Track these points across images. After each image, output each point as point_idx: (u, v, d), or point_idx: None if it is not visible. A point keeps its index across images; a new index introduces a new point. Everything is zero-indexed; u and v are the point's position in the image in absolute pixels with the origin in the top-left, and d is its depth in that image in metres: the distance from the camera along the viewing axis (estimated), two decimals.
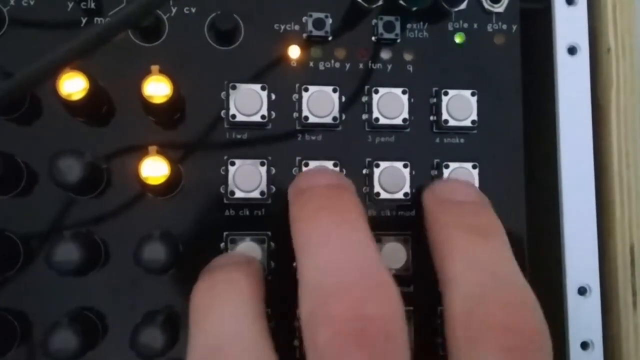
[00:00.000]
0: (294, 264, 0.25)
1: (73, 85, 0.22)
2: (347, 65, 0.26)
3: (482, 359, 0.16)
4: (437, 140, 0.26)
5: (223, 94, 0.25)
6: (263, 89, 0.25)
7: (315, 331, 0.16)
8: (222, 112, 0.25)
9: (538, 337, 0.17)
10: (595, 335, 0.26)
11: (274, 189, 0.25)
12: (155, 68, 0.23)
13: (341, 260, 0.17)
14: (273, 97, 0.25)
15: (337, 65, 0.26)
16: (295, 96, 0.26)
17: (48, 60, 0.19)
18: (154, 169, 0.23)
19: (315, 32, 0.26)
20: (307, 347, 0.16)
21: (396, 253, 0.25)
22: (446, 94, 0.26)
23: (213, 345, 0.17)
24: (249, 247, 0.24)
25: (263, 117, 0.25)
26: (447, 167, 0.26)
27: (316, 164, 0.25)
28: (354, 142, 0.26)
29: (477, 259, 0.18)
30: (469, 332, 0.16)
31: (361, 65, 0.26)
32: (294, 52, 0.26)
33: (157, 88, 0.23)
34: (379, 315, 0.15)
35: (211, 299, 0.19)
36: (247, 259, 0.22)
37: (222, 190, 0.25)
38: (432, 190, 0.21)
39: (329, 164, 0.25)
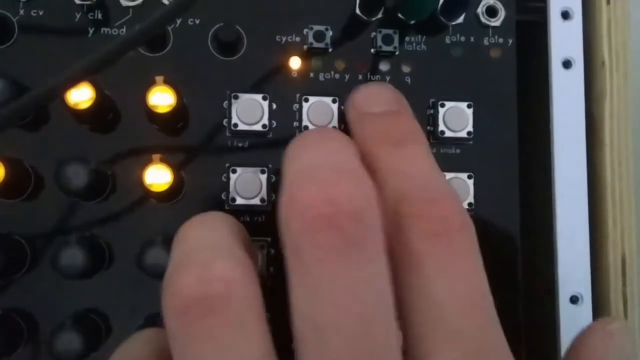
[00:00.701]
0: None
1: (80, 94, 0.23)
2: (347, 77, 0.27)
3: (414, 248, 0.17)
4: (434, 150, 0.27)
5: (225, 104, 0.26)
6: (264, 98, 0.26)
7: (287, 223, 0.16)
8: (224, 121, 0.26)
9: (461, 222, 0.17)
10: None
11: (274, 196, 0.26)
12: (159, 79, 0.24)
13: (317, 161, 0.17)
14: (274, 106, 0.26)
15: (337, 76, 0.27)
16: (295, 106, 0.26)
17: (64, 77, 0.19)
18: (158, 176, 0.24)
19: (316, 44, 0.26)
20: (284, 243, 0.16)
21: None
22: (443, 105, 0.27)
23: (187, 255, 0.17)
24: None
25: (264, 126, 0.26)
26: None
27: None
28: None
29: (395, 168, 0.18)
30: (397, 226, 0.17)
31: (360, 77, 0.27)
32: (295, 63, 0.27)
33: (161, 98, 0.24)
34: (348, 197, 0.16)
35: (190, 227, 0.19)
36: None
37: (223, 196, 0.26)
38: (352, 103, 0.21)
39: None
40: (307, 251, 0.15)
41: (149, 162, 0.24)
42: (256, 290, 0.16)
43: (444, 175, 0.19)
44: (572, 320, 0.27)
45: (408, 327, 0.17)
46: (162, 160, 0.24)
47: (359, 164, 0.18)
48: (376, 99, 0.21)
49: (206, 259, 0.16)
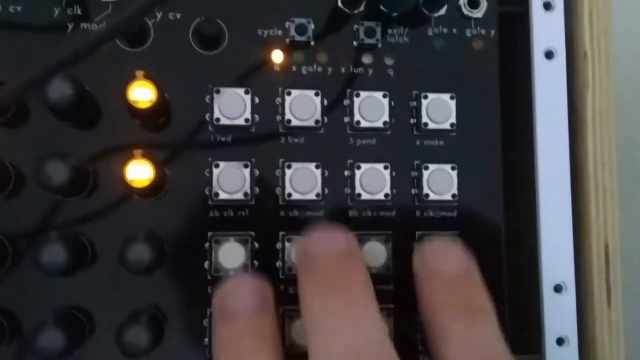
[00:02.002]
0: (278, 264, 0.25)
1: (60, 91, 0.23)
2: (330, 70, 0.27)
3: None
4: (418, 142, 0.27)
5: (208, 98, 0.26)
6: (247, 93, 0.26)
7: None
8: (207, 116, 0.26)
9: None
10: (571, 331, 0.27)
11: (257, 190, 0.26)
12: (140, 74, 0.24)
13: (352, 349, 0.18)
14: (257, 100, 0.26)
15: (320, 69, 0.27)
16: (278, 100, 0.26)
17: (43, 70, 0.19)
18: (140, 172, 0.23)
19: (298, 38, 0.26)
20: None
21: (377, 252, 0.26)
22: (426, 97, 0.27)
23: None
24: (232, 248, 0.25)
25: (247, 120, 0.26)
26: (427, 169, 0.26)
27: (299, 166, 0.26)
28: (336, 145, 0.26)
29: (469, 344, 0.19)
30: None
31: (343, 70, 0.27)
32: (278, 57, 0.27)
33: (142, 93, 0.23)
34: None
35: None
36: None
37: (206, 192, 0.25)
38: (422, 258, 0.21)
39: (312, 166, 0.26)
40: None
41: (130, 158, 0.24)
42: None
43: (510, 353, 0.20)
44: (557, 309, 0.27)
45: None
46: (144, 156, 0.24)
47: (387, 338, 0.18)
48: (449, 256, 0.21)
49: None
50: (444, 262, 0.21)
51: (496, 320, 0.20)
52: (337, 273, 0.19)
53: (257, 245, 0.25)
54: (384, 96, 0.26)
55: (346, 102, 0.27)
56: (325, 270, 0.19)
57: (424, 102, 0.27)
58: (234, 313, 0.20)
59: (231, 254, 0.25)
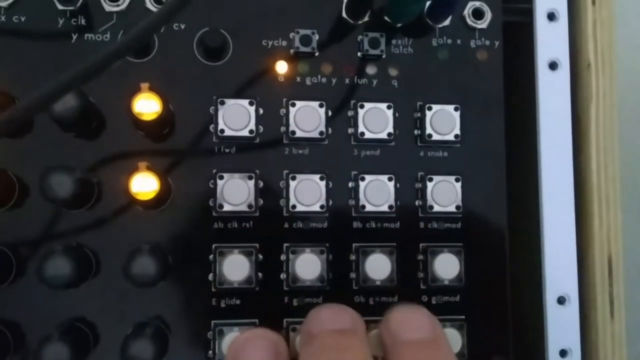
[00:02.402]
0: (282, 276, 0.25)
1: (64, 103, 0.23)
2: (334, 81, 0.27)
3: None
4: (422, 153, 0.27)
5: (212, 109, 0.26)
6: (251, 104, 0.26)
7: None
8: (211, 127, 0.26)
9: None
10: (574, 343, 0.27)
11: (261, 202, 0.26)
12: (144, 86, 0.24)
13: None
14: (261, 111, 0.26)
15: (324, 80, 0.27)
16: (282, 111, 0.26)
17: (53, 87, 0.19)
18: (144, 184, 0.23)
19: (302, 48, 0.26)
20: None
21: (381, 264, 0.26)
22: (430, 108, 0.27)
23: None
24: (237, 259, 0.25)
25: (251, 131, 0.26)
26: (431, 180, 0.26)
27: (303, 177, 0.26)
28: (340, 156, 0.26)
29: None
30: None
31: (347, 81, 0.27)
32: (282, 67, 0.27)
33: (147, 105, 0.23)
34: None
35: None
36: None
37: (210, 203, 0.25)
38: (387, 328, 0.21)
39: (316, 178, 0.26)
40: None
41: (135, 170, 0.24)
42: None
43: None
44: (560, 320, 0.27)
45: None
46: (149, 168, 0.24)
47: None
48: (413, 322, 0.21)
49: None
50: (410, 330, 0.20)
51: None
52: (334, 352, 0.19)
53: (261, 257, 0.25)
54: (388, 107, 0.26)
55: (350, 113, 0.27)
56: (322, 347, 0.19)
57: (428, 113, 0.27)
58: None
59: (235, 265, 0.25)
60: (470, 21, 0.28)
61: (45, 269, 0.22)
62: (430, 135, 0.27)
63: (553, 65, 0.28)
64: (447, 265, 0.26)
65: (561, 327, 0.27)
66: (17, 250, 0.25)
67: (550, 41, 0.28)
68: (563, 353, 0.27)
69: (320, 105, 0.26)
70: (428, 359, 0.20)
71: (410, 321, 0.21)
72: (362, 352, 0.19)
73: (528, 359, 0.28)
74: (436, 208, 0.26)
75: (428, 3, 0.27)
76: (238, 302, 0.25)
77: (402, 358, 0.20)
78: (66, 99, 0.23)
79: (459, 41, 0.28)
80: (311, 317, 0.21)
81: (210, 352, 0.25)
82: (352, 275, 0.26)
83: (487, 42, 0.28)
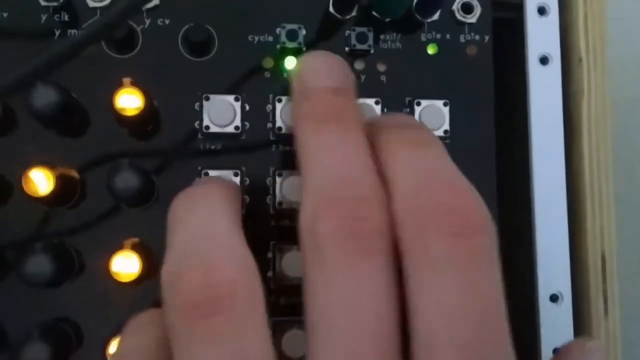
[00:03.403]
0: (269, 274, 0.25)
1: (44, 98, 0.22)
2: None
3: (431, 247, 0.16)
4: None
5: (197, 105, 0.25)
6: (237, 100, 0.25)
7: (315, 226, 0.16)
8: (196, 123, 0.25)
9: (482, 220, 0.17)
10: (567, 340, 0.26)
11: (247, 199, 0.25)
12: (127, 80, 0.23)
13: (342, 168, 0.18)
14: (247, 108, 0.26)
15: None
16: (269, 107, 0.26)
17: (21, 73, 0.19)
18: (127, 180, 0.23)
19: (289, 43, 0.26)
20: (305, 244, 0.17)
21: None
22: (419, 104, 0.26)
23: (189, 248, 0.17)
24: None
25: (237, 127, 0.25)
26: None
27: (290, 174, 0.25)
28: None
29: (416, 161, 0.18)
30: (414, 219, 0.16)
31: None
32: (268, 63, 0.26)
33: (129, 100, 0.23)
34: (372, 217, 0.16)
35: (187, 208, 0.19)
36: (224, 180, 0.23)
37: None
38: (376, 122, 0.21)
39: None
40: None
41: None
42: (259, 289, 0.17)
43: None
44: (553, 319, 0.26)
45: (416, 335, 0.16)
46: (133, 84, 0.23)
47: (372, 168, 0.18)
48: (404, 119, 0.21)
49: (212, 259, 0.16)
50: (391, 118, 0.21)
51: (446, 152, 0.19)
52: (330, 110, 0.19)
53: None
54: (377, 102, 0.26)
55: None
56: (319, 106, 0.19)
57: (417, 109, 0.26)
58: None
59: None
60: (459, 16, 0.27)
61: (25, 267, 0.22)
62: None
63: (544, 60, 0.28)
64: None
65: (554, 325, 0.26)
66: None
67: (541, 36, 0.28)
68: (556, 351, 0.26)
69: None
70: (411, 132, 0.20)
71: (401, 120, 0.21)
72: (354, 108, 0.20)
73: (521, 358, 0.27)
74: None
75: None
76: None
77: (385, 133, 0.19)
78: (46, 94, 0.22)
79: (448, 36, 0.27)
80: (305, 70, 0.20)
81: None
82: None
83: (477, 37, 0.27)
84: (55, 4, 0.25)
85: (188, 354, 0.16)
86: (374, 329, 0.16)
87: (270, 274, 0.25)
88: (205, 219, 0.18)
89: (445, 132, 0.26)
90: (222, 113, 0.25)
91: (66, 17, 0.25)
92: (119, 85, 0.24)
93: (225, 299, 0.16)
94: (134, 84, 0.23)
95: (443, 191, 0.17)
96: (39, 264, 0.22)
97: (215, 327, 0.15)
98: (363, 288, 0.16)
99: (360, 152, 0.18)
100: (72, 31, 0.25)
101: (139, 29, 0.26)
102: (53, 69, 0.18)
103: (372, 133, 0.19)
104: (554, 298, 0.27)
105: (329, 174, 0.18)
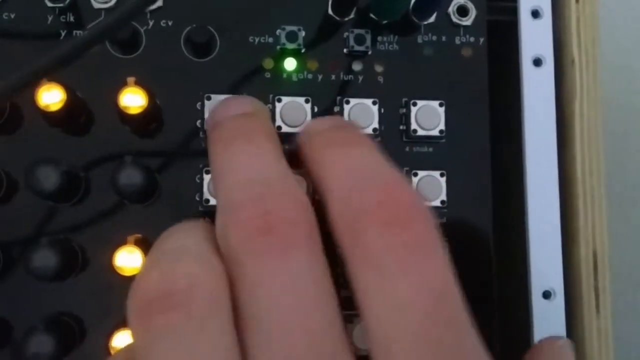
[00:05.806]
0: None
1: (51, 96, 0.23)
2: (320, 77, 0.27)
3: (368, 243, 0.16)
4: (407, 149, 0.27)
5: (199, 105, 0.26)
6: None
7: (227, 238, 0.16)
8: (198, 122, 0.26)
9: (416, 209, 0.17)
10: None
11: None
12: (131, 80, 0.24)
13: (246, 177, 0.17)
14: None
15: (310, 76, 0.27)
16: (268, 106, 0.26)
17: (26, 72, 0.19)
18: (130, 176, 0.24)
19: (289, 45, 0.27)
20: (226, 262, 0.16)
21: None
22: (415, 104, 0.27)
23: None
24: None
25: None
26: (415, 175, 0.27)
27: None
28: None
29: (343, 164, 0.18)
30: (348, 221, 0.16)
31: (333, 77, 0.27)
32: (268, 64, 0.27)
33: (133, 99, 0.24)
34: (281, 208, 0.16)
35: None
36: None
37: (197, 197, 0.26)
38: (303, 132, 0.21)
39: None
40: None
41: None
42: (221, 290, 0.16)
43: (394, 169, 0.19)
44: (545, 315, 0.27)
45: (371, 335, 0.16)
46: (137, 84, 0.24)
47: (286, 172, 0.18)
48: (328, 122, 0.21)
49: (173, 259, 0.16)
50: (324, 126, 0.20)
51: (374, 148, 0.19)
52: (237, 129, 0.19)
53: None
54: (374, 103, 0.27)
55: (336, 109, 0.27)
56: (227, 128, 0.19)
57: (413, 109, 0.27)
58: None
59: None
60: (455, 18, 0.28)
61: (31, 260, 0.23)
62: (415, 131, 0.27)
63: (537, 62, 0.28)
64: None
65: (547, 321, 0.27)
66: (4, 244, 0.25)
67: (535, 38, 0.28)
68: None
69: (307, 101, 0.26)
70: (334, 133, 0.20)
71: (324, 123, 0.21)
72: (264, 125, 0.20)
73: (514, 354, 0.28)
74: None
75: (413, 0, 0.27)
76: None
77: (312, 141, 0.19)
78: (53, 93, 0.23)
79: (444, 38, 0.28)
80: (214, 110, 0.21)
81: None
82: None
83: (472, 39, 0.28)
84: (60, 5, 0.26)
85: (145, 352, 0.15)
86: (308, 329, 0.15)
87: None
88: (180, 237, 0.18)
89: (441, 131, 0.27)
90: None
91: (71, 18, 0.26)
92: (123, 84, 0.24)
93: (181, 294, 0.15)
94: (138, 83, 0.24)
95: (372, 188, 0.17)
96: (45, 258, 0.23)
97: (171, 323, 0.15)
98: (286, 290, 0.15)
99: (268, 159, 0.18)
100: (78, 32, 0.26)
101: (142, 30, 0.26)
102: (58, 69, 0.19)
103: (299, 145, 0.20)
104: (546, 295, 0.27)
105: (232, 184, 0.17)
